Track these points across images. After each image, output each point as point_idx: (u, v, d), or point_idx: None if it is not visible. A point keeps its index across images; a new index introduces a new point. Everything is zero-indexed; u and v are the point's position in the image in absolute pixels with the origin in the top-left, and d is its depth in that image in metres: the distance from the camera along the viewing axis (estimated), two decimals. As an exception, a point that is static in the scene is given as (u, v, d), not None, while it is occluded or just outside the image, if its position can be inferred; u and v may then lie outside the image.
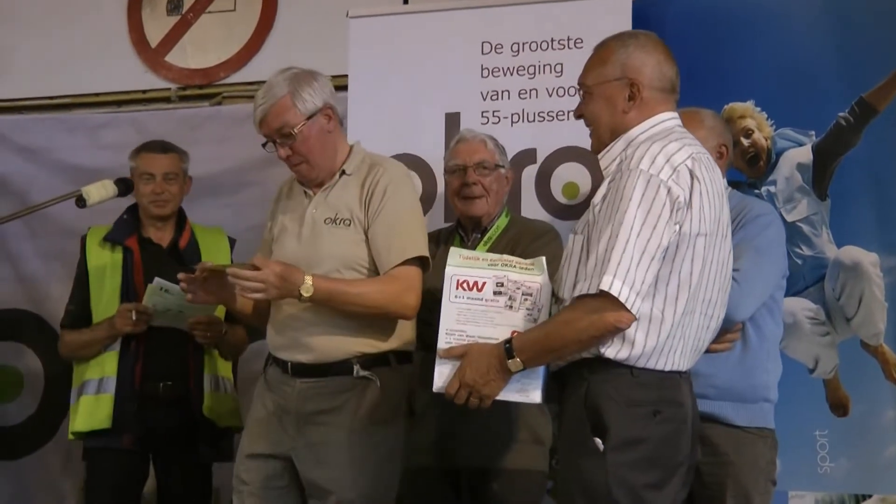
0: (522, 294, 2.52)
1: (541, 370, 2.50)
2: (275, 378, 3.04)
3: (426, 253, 2.98)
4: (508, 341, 2.47)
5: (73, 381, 3.66)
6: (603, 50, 2.56)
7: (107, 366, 3.54)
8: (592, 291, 2.32)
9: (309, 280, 2.83)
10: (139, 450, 3.55)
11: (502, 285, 2.54)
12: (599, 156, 2.55)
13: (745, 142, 3.66)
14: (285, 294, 2.83)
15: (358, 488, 2.93)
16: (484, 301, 2.54)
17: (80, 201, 3.20)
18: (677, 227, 2.36)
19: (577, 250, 2.46)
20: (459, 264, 2.58)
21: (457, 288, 2.55)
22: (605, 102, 2.52)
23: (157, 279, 3.41)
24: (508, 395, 2.50)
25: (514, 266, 2.59)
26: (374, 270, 2.97)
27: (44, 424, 4.40)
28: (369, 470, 2.96)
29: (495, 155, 3.38)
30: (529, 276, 2.56)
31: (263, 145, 3.12)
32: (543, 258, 2.64)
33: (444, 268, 3.17)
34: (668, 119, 2.51)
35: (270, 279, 2.78)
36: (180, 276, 3.03)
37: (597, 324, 2.37)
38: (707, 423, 2.67)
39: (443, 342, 2.54)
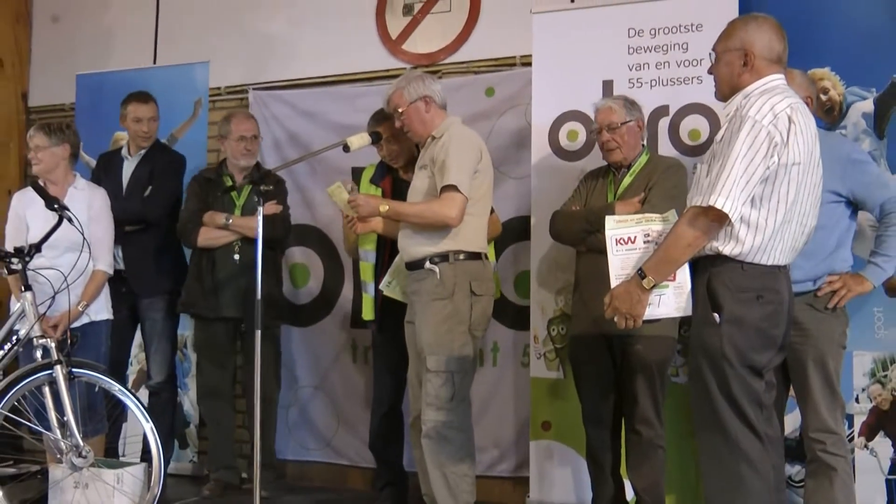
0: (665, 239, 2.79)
1: (687, 289, 2.74)
2: None
3: (455, 182, 3.56)
4: (640, 268, 2.76)
5: None
6: (730, 26, 2.89)
7: (368, 274, 4.25)
8: (704, 205, 2.64)
9: (385, 203, 3.72)
10: (379, 331, 4.27)
11: (648, 235, 2.86)
12: (724, 105, 2.85)
13: (823, 97, 3.93)
14: (373, 212, 3.72)
15: (430, 344, 3.63)
16: (638, 249, 2.84)
17: (345, 148, 3.78)
18: (775, 159, 2.61)
19: (703, 175, 2.73)
20: (614, 227, 2.90)
21: (616, 244, 2.87)
22: (726, 66, 2.83)
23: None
24: (662, 312, 2.78)
25: (655, 220, 2.90)
26: None
27: (324, 304, 5.19)
28: (436, 331, 3.62)
29: (623, 114, 3.76)
30: (667, 224, 2.86)
31: (389, 116, 3.93)
32: (675, 210, 2.96)
33: (593, 201, 3.81)
34: (776, 79, 2.79)
35: (360, 201, 3.72)
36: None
37: (701, 231, 2.67)
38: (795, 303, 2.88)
39: (615, 284, 2.86)
